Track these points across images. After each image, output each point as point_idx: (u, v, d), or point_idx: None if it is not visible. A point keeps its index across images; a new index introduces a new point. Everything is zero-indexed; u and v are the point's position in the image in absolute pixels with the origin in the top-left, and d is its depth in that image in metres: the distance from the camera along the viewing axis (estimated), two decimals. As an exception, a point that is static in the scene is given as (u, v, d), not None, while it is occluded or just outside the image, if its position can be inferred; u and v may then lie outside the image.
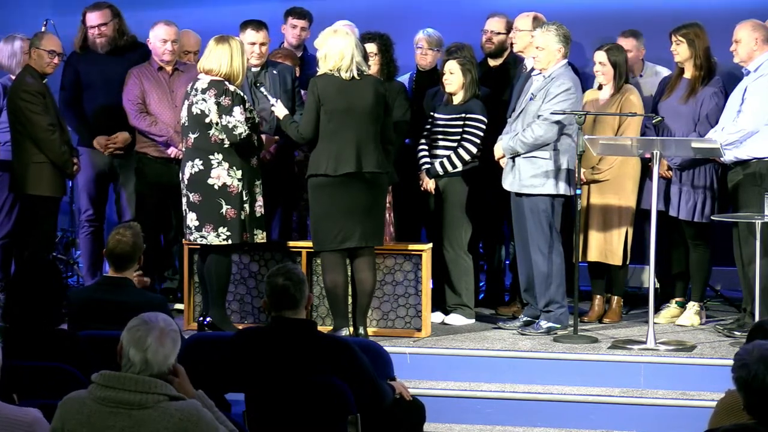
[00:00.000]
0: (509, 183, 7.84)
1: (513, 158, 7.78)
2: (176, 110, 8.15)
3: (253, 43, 8.12)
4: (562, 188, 7.72)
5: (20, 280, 5.40)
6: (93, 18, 8.58)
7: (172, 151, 8.33)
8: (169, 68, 8.48)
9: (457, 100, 8.16)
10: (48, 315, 5.25)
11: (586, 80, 8.75)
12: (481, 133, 8.11)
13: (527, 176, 7.72)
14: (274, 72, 8.18)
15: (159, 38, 8.44)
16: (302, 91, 8.17)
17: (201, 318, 7.68)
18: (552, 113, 7.62)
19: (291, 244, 8.07)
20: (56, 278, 5.42)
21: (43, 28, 9.13)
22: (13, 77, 8.58)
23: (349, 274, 7.64)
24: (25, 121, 8.29)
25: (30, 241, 8.40)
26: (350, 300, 7.69)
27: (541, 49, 7.77)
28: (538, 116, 7.68)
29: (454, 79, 8.12)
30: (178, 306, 8.30)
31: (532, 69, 7.95)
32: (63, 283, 5.68)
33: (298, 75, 8.38)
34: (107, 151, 8.56)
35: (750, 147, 7.64)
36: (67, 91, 8.67)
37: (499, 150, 7.89)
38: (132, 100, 8.41)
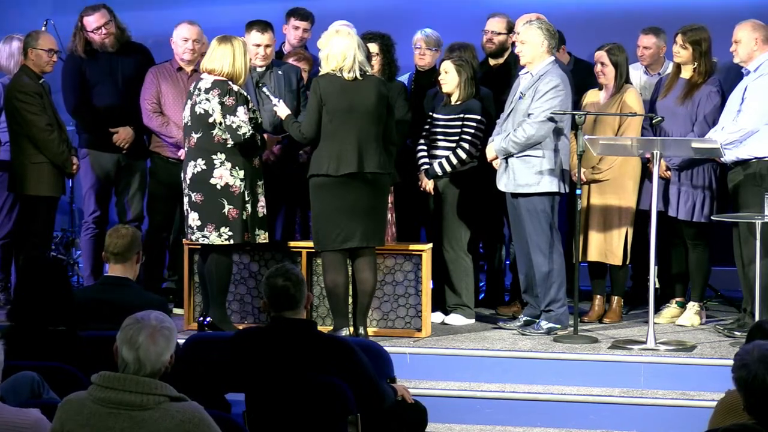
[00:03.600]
0: (503, 184, 7.82)
1: (506, 159, 7.76)
2: (191, 111, 8.13)
3: (258, 45, 8.06)
4: (558, 186, 7.71)
5: (28, 279, 5.40)
6: (93, 21, 8.47)
7: (181, 153, 8.28)
8: (189, 69, 8.43)
9: (454, 99, 8.16)
10: (55, 314, 5.26)
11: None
12: (480, 134, 8.09)
13: (521, 176, 7.71)
14: (279, 72, 8.16)
15: (180, 36, 8.42)
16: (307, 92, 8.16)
17: (201, 318, 7.67)
18: (553, 113, 7.62)
19: (291, 244, 8.07)
20: (63, 277, 5.43)
21: (43, 28, 9.10)
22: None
23: (350, 274, 7.64)
24: (22, 122, 8.29)
25: (25, 241, 8.39)
26: (350, 300, 7.69)
27: (523, 43, 7.75)
28: (529, 115, 7.66)
29: (449, 78, 8.11)
30: (178, 311, 8.26)
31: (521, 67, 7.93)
32: (70, 282, 5.68)
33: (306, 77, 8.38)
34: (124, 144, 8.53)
35: (750, 147, 7.63)
36: (76, 96, 8.53)
37: (491, 151, 7.86)
38: (147, 99, 8.39)
